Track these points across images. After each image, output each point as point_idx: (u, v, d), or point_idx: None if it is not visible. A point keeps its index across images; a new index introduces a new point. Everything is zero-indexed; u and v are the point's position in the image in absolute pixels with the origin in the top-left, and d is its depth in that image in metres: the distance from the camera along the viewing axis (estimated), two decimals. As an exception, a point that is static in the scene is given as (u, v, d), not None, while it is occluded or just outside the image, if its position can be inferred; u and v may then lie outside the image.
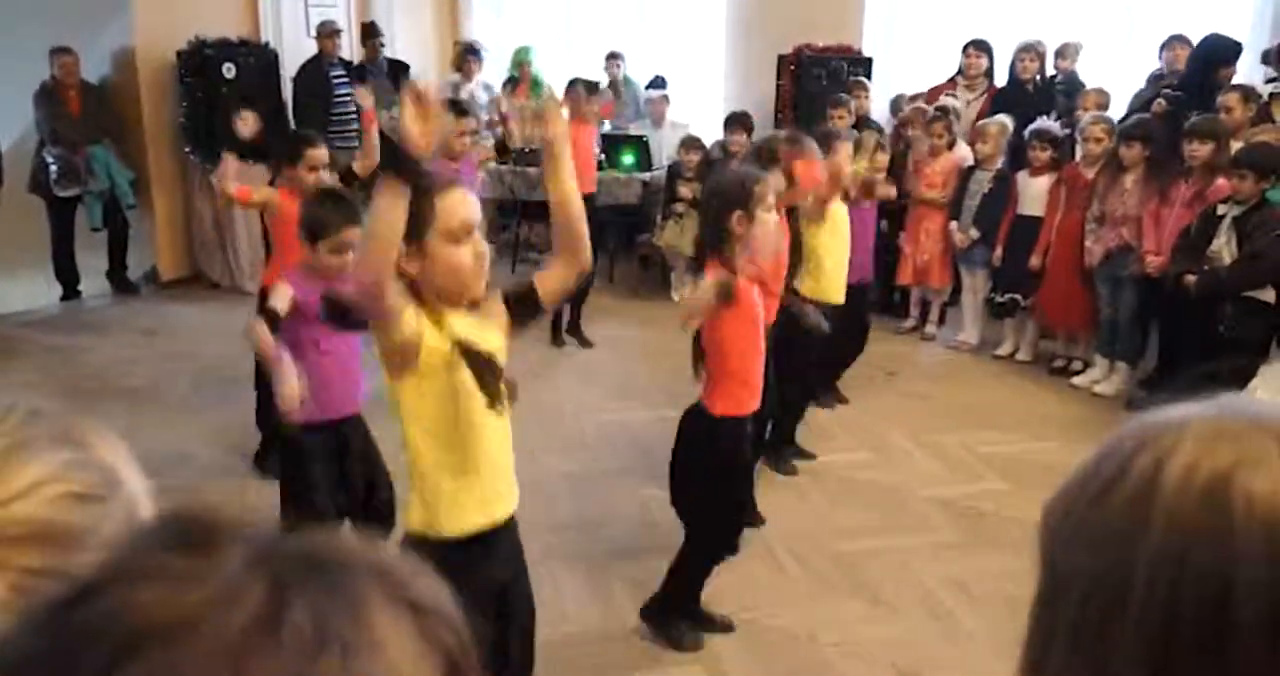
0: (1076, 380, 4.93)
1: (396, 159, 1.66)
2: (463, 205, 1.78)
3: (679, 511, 2.83)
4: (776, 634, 2.92)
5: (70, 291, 6.32)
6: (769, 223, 2.65)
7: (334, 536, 0.45)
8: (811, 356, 3.69)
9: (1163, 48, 5.43)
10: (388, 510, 2.85)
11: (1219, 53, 4.93)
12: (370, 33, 6.85)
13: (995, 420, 4.50)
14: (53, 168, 5.97)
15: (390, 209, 1.64)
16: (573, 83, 5.44)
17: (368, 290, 1.69)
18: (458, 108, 4.60)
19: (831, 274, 3.82)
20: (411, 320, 1.74)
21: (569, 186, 1.93)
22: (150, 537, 0.43)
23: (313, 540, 0.44)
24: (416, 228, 1.72)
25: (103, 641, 0.38)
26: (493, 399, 1.80)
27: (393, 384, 1.85)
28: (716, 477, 2.71)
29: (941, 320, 5.72)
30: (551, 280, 1.98)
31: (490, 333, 1.89)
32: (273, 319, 2.69)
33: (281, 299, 2.72)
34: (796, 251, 3.54)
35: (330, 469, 2.81)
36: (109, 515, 0.62)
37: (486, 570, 1.93)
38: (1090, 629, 0.59)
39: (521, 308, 1.95)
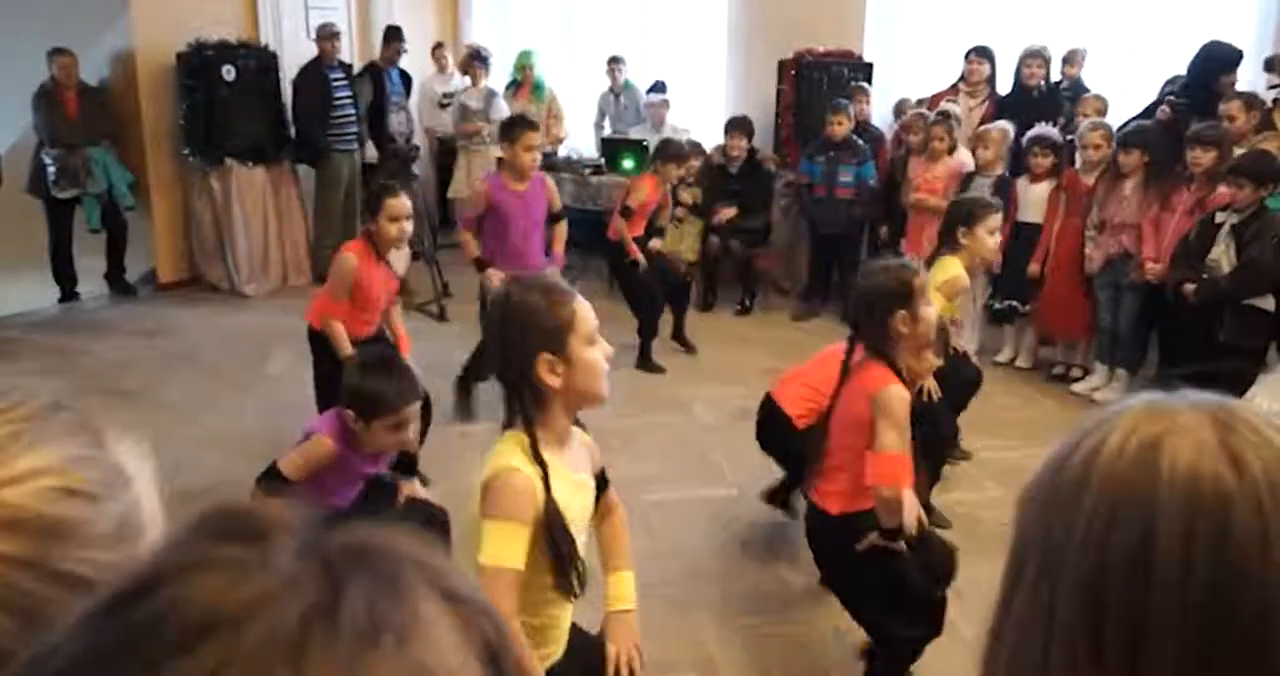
0: (1076, 387, 4.92)
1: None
2: (591, 310, 1.77)
3: (856, 617, 2.63)
4: (775, 641, 2.91)
5: (68, 293, 6.32)
6: (931, 316, 2.44)
7: (374, 528, 0.46)
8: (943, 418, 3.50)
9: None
10: None
11: (1219, 59, 4.93)
12: (392, 36, 6.83)
13: (993, 426, 4.49)
14: (51, 169, 5.97)
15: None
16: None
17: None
18: (526, 122, 4.35)
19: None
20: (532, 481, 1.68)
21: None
22: (201, 530, 0.44)
23: (356, 531, 0.45)
24: (560, 338, 1.69)
25: (165, 632, 0.39)
26: (560, 582, 1.70)
27: (483, 521, 1.71)
28: (870, 571, 2.46)
29: (941, 326, 5.71)
30: (611, 534, 2.03)
31: (586, 477, 1.85)
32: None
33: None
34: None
35: None
36: (104, 515, 0.61)
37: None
38: (1041, 582, 0.67)
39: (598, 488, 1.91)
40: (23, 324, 5.93)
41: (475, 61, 6.95)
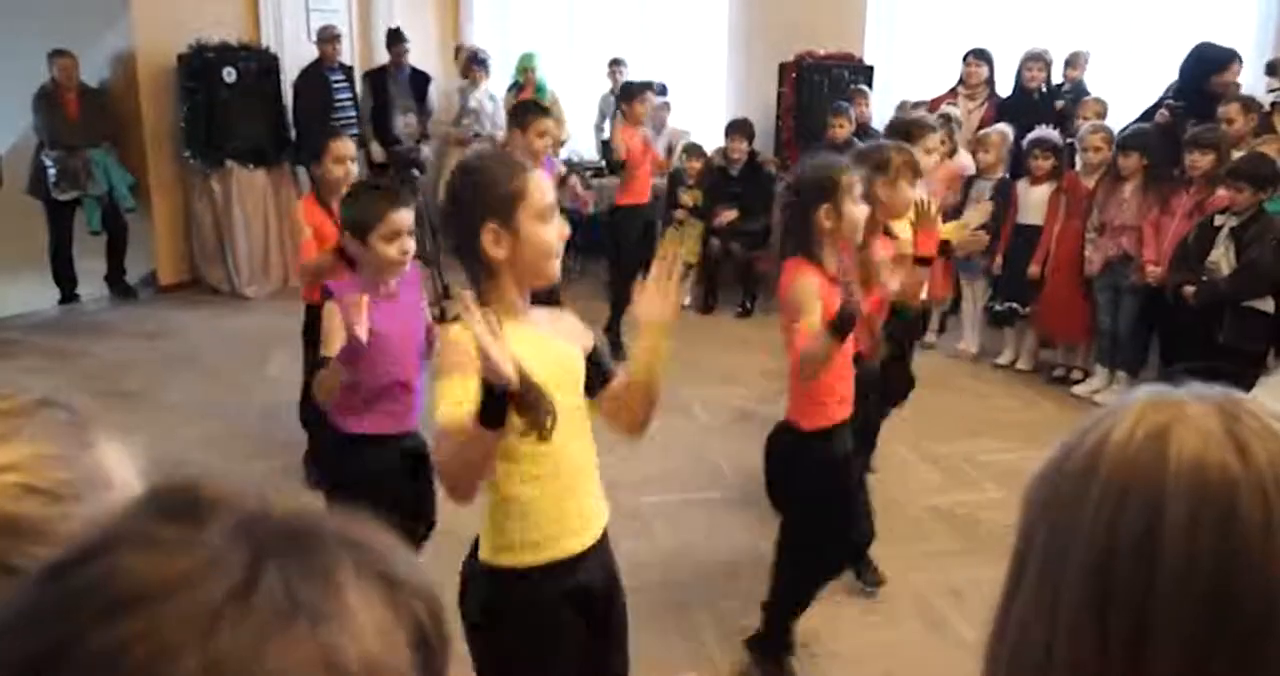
0: (1077, 389, 4.92)
1: (493, 402, 1.52)
2: (547, 185, 1.75)
3: (783, 535, 2.67)
4: (773, 642, 2.90)
5: (68, 295, 6.32)
6: (857, 216, 2.42)
7: (316, 510, 0.47)
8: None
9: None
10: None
11: (1210, 61, 4.94)
12: (395, 38, 6.84)
13: (994, 429, 4.49)
14: (51, 171, 5.97)
15: (481, 443, 1.55)
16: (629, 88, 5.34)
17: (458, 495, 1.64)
18: (538, 108, 4.41)
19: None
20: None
21: (655, 373, 1.81)
22: (142, 507, 0.45)
23: (295, 513, 0.46)
24: (507, 208, 1.67)
25: (88, 603, 0.41)
26: (532, 427, 1.62)
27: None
28: (816, 491, 2.52)
29: (941, 329, 5.71)
30: (610, 406, 1.85)
31: (562, 342, 1.78)
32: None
33: (357, 329, 2.23)
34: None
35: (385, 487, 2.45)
36: (66, 516, 0.61)
37: (567, 585, 1.79)
38: (1047, 570, 0.67)
39: (593, 371, 1.83)
40: (23, 325, 5.93)
41: (474, 64, 6.96)
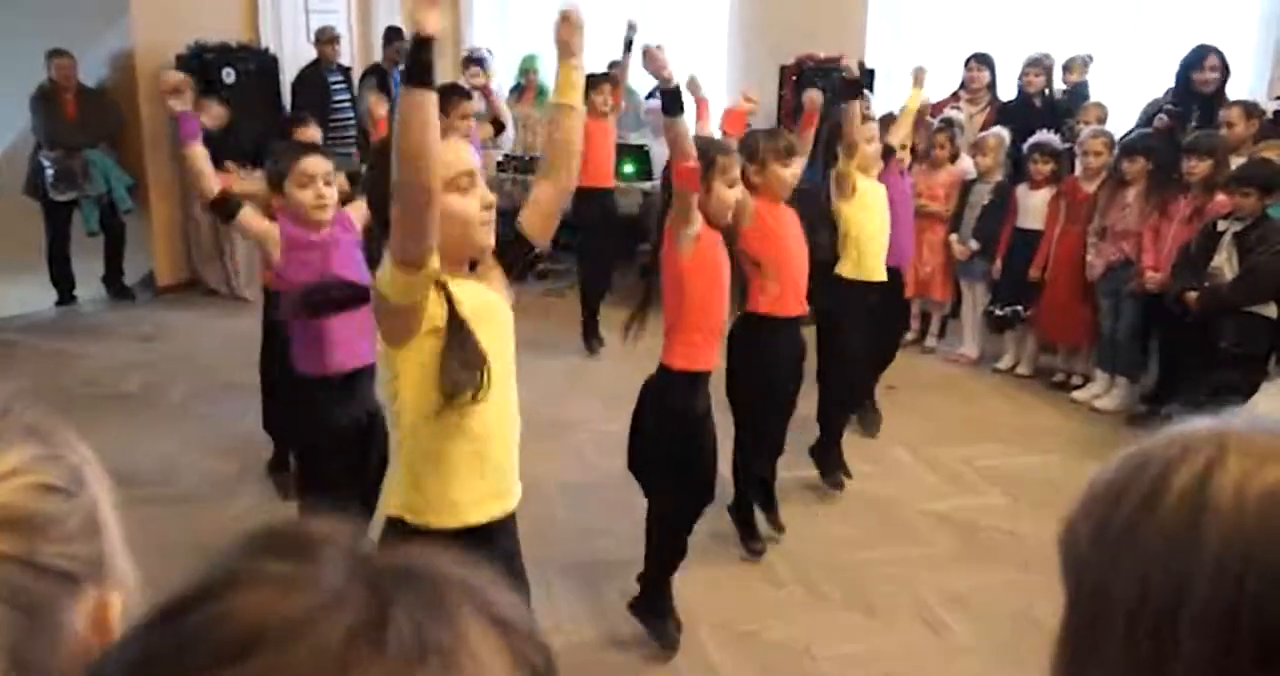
0: (1077, 395, 4.90)
1: (417, 55, 1.52)
2: (464, 152, 1.69)
3: (639, 481, 2.80)
4: (772, 647, 2.90)
5: (66, 296, 6.29)
6: (726, 198, 2.65)
7: (425, 551, 0.46)
8: (853, 349, 3.62)
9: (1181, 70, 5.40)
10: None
11: (1189, 60, 4.95)
12: (393, 37, 6.83)
13: (994, 434, 4.48)
14: (49, 171, 5.95)
15: (421, 108, 1.49)
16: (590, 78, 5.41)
17: (419, 213, 1.54)
18: (459, 91, 4.54)
19: (867, 250, 3.65)
20: (431, 276, 1.61)
21: (576, 94, 1.85)
22: (251, 546, 0.45)
23: (406, 552, 0.45)
24: None
25: (211, 643, 0.40)
26: (453, 392, 1.65)
27: (389, 352, 1.71)
28: (670, 436, 2.65)
29: (942, 333, 5.70)
30: (538, 211, 1.87)
31: (493, 294, 1.79)
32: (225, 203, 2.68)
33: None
34: (834, 231, 3.50)
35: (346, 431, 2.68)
36: (77, 510, 0.63)
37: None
38: (1140, 647, 0.59)
39: (513, 253, 1.85)
40: (20, 327, 5.91)
41: (471, 64, 6.94)
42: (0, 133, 6.13)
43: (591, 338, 5.50)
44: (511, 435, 1.82)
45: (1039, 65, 5.65)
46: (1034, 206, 5.07)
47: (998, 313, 5.21)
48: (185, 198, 6.66)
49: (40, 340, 5.72)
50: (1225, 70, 4.90)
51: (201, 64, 6.32)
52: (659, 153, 6.59)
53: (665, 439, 2.66)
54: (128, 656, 0.42)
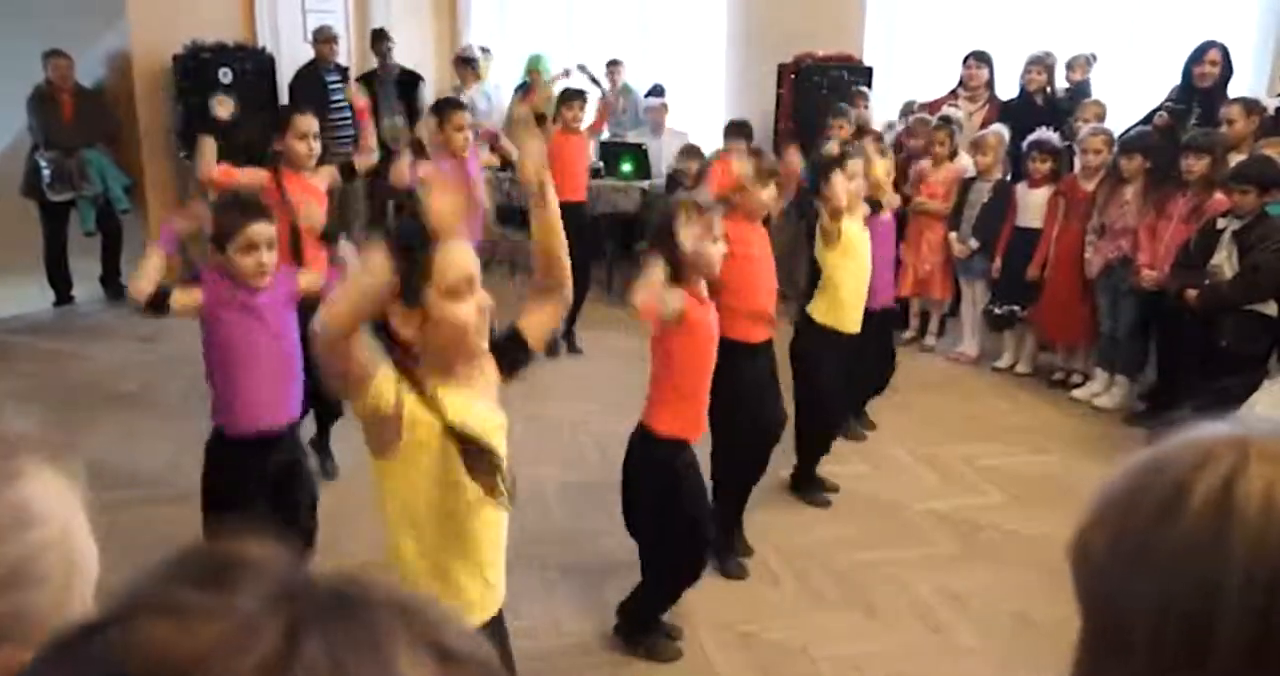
0: (1076, 393, 4.89)
1: (411, 234, 1.53)
2: (464, 257, 1.59)
3: (635, 538, 2.74)
4: (771, 648, 2.88)
5: (63, 297, 6.28)
6: (712, 253, 2.56)
7: (364, 575, 0.43)
8: (831, 384, 3.58)
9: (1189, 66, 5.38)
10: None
11: (1192, 53, 4.95)
12: (379, 38, 6.82)
13: (994, 433, 4.47)
14: (46, 172, 5.94)
15: (379, 262, 1.49)
16: (564, 95, 5.37)
17: (331, 344, 1.51)
18: (453, 104, 4.58)
19: (847, 301, 3.56)
20: (388, 387, 1.56)
21: (554, 220, 1.82)
22: (169, 571, 0.42)
23: (340, 577, 0.42)
24: (414, 287, 1.54)
25: (111, 674, 0.37)
26: (490, 492, 1.61)
27: (376, 462, 1.66)
28: (664, 503, 2.62)
29: (941, 331, 5.69)
30: (537, 323, 1.85)
31: (485, 401, 1.71)
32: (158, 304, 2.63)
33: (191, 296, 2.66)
34: (814, 272, 3.48)
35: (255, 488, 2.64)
36: None
37: None
38: (1165, 658, 0.57)
39: (510, 356, 1.78)
40: (17, 327, 5.89)
41: (461, 65, 6.94)
42: (-3, 133, 6.12)
43: (570, 341, 5.47)
44: (501, 537, 1.78)
45: (1041, 63, 5.63)
46: (1033, 205, 5.06)
47: (997, 311, 5.20)
48: (182, 198, 6.65)
49: (38, 341, 5.70)
50: (1228, 67, 4.89)
51: (198, 64, 6.30)
52: (657, 151, 6.60)
53: (663, 508, 2.63)
54: None
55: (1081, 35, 5.98)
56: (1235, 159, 4.28)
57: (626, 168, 6.48)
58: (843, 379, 3.61)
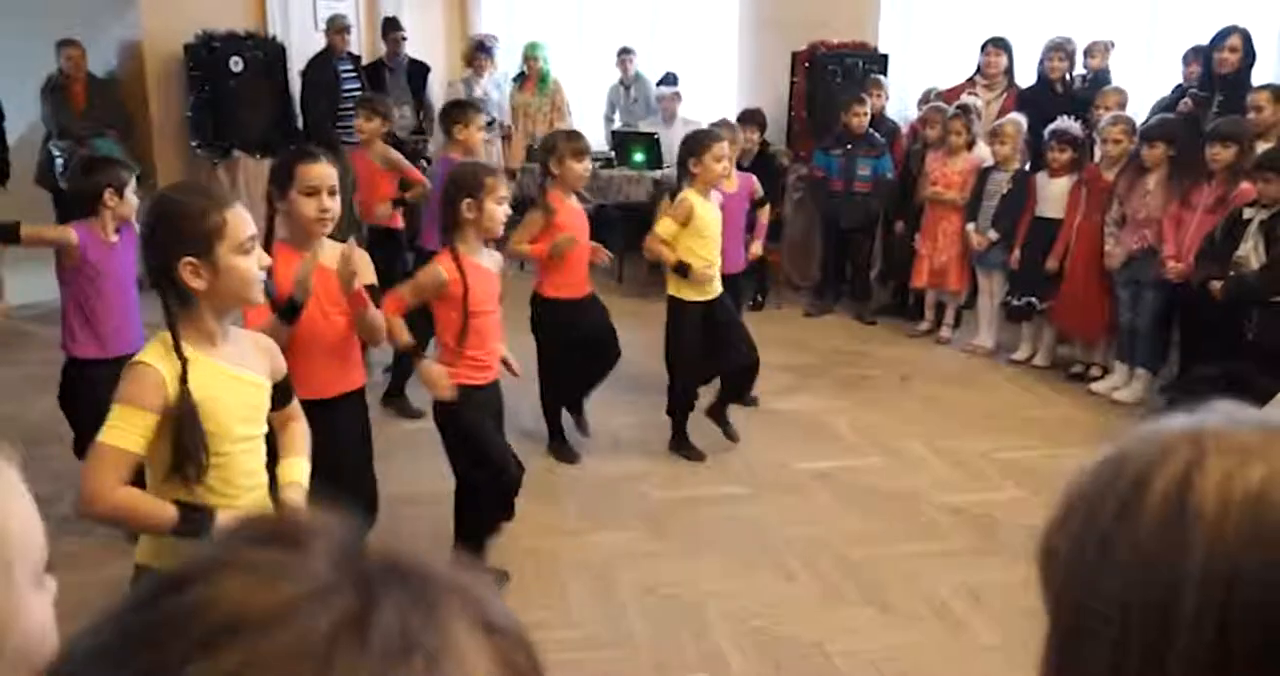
0: (1095, 386, 4.82)
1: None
2: (248, 220, 1.84)
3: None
4: (785, 643, 2.84)
5: (76, 286, 6.27)
6: (498, 214, 2.93)
7: (412, 549, 0.45)
8: (685, 358, 3.91)
9: (1185, 60, 5.30)
10: None
11: (1213, 39, 4.85)
12: (391, 27, 6.78)
13: (1011, 426, 4.40)
14: (59, 161, 5.94)
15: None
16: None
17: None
18: (472, 107, 4.59)
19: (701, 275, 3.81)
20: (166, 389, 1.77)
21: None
22: (239, 533, 0.44)
23: (393, 548, 0.44)
24: (206, 242, 1.77)
25: (192, 628, 0.39)
26: (182, 465, 1.76)
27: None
28: (457, 443, 3.04)
29: (957, 323, 5.62)
30: (280, 427, 2.06)
31: (250, 374, 1.89)
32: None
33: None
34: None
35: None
36: None
37: None
38: (1128, 660, 0.57)
39: (278, 390, 1.98)
40: (29, 316, 5.89)
41: (479, 52, 6.88)
42: (11, 122, 6.10)
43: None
44: (257, 490, 1.91)
45: (1061, 50, 5.54)
46: (1053, 195, 4.98)
47: (1015, 303, 5.12)
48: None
49: (49, 330, 5.68)
50: (1249, 53, 4.79)
51: (209, 53, 6.28)
52: (669, 140, 6.53)
53: (456, 442, 3.05)
54: (101, 640, 0.41)
55: (1100, 21, 5.88)
56: (1262, 147, 4.20)
57: (638, 157, 6.42)
58: (702, 343, 3.89)
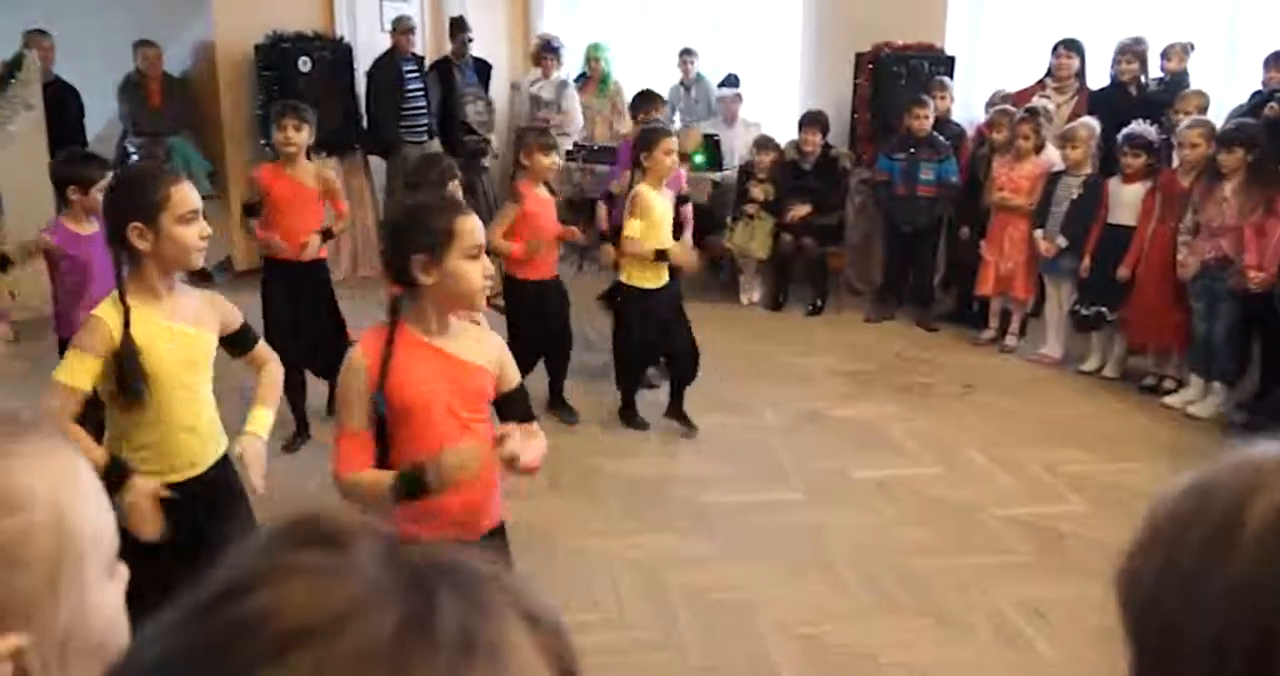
0: (1169, 400, 4.64)
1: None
2: (191, 194, 2.10)
3: None
4: (838, 652, 2.78)
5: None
6: (470, 275, 1.93)
7: (452, 548, 0.45)
8: (632, 342, 4.18)
9: (1266, 65, 5.09)
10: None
11: None
12: (458, 28, 6.85)
13: (1078, 438, 4.26)
14: (134, 156, 6.10)
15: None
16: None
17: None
18: (545, 132, 4.46)
19: (649, 262, 4.05)
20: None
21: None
22: (282, 537, 0.44)
23: (435, 546, 0.45)
24: (152, 210, 2.04)
25: (259, 634, 0.39)
26: (123, 392, 2.06)
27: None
28: None
29: (1022, 332, 5.47)
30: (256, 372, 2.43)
31: (193, 330, 2.17)
32: None
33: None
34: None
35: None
36: None
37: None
38: (1236, 663, 0.54)
39: (236, 339, 2.36)
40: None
41: (546, 52, 6.91)
42: (90, 119, 6.30)
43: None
44: (194, 427, 2.22)
45: (1133, 51, 5.37)
46: (1126, 201, 4.82)
47: (1084, 312, 4.97)
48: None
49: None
50: None
51: (278, 53, 6.41)
52: (730, 142, 6.49)
53: None
54: (161, 651, 0.41)
55: (1177, 22, 5.68)
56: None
57: (698, 159, 6.38)
58: (654, 326, 4.13)
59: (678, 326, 4.18)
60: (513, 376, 2.10)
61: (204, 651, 0.40)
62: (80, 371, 2.04)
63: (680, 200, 4.58)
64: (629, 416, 4.36)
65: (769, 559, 3.26)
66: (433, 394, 1.96)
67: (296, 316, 3.95)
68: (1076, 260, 4.98)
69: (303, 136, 3.89)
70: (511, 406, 2.09)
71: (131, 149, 6.14)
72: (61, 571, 0.60)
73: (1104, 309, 4.88)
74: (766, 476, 3.88)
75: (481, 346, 2.05)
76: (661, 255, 4.03)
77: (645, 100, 5.20)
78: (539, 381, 4.15)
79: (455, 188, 3.52)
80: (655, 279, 4.09)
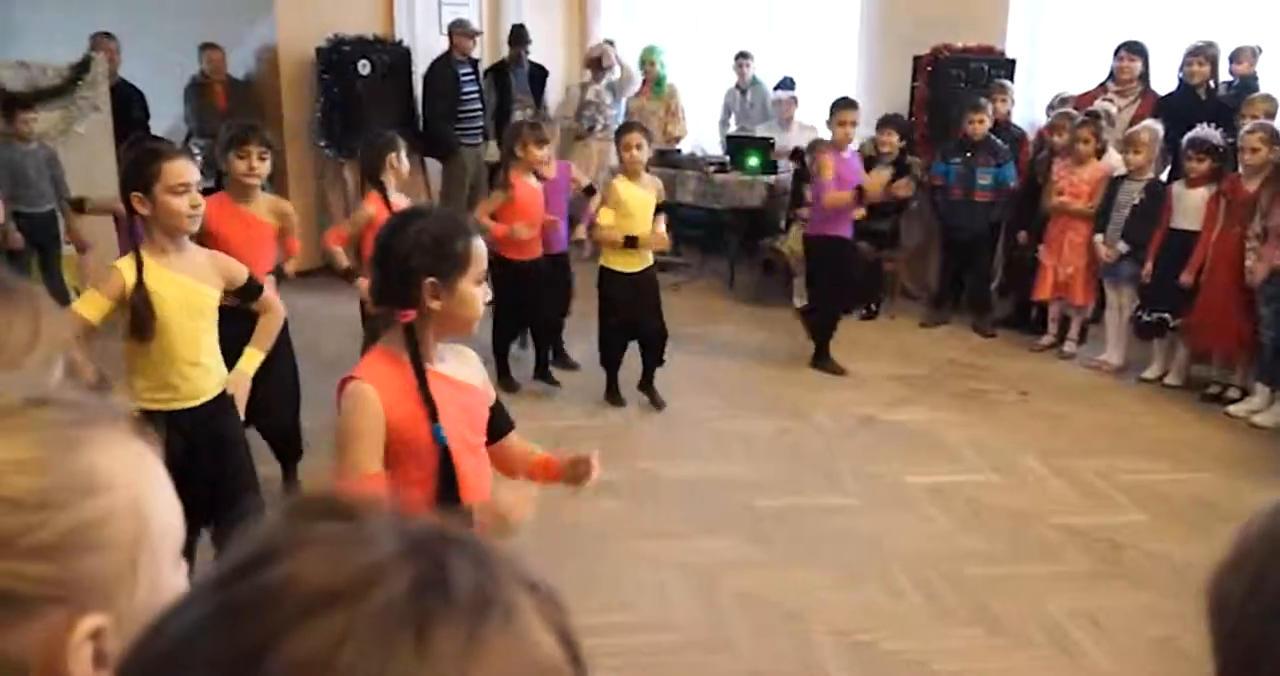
0: (1233, 409, 4.54)
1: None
2: (186, 169, 2.45)
3: None
4: (891, 659, 2.77)
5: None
6: (476, 301, 1.85)
7: (450, 521, 0.47)
8: (612, 324, 4.48)
9: None
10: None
11: None
12: (518, 37, 6.93)
13: (1138, 447, 4.19)
14: (198, 157, 6.20)
15: None
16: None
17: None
18: (532, 126, 4.55)
19: (625, 249, 4.35)
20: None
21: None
22: (298, 512, 0.46)
23: (433, 519, 0.47)
24: (148, 182, 2.40)
25: (287, 599, 0.41)
26: (137, 328, 2.45)
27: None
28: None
29: (1082, 338, 5.38)
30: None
31: (194, 282, 2.51)
32: None
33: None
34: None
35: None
36: (41, 525, 0.58)
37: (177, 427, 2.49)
38: None
39: (243, 291, 2.70)
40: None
41: (598, 66, 6.97)
42: (156, 120, 6.47)
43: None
44: (197, 362, 2.57)
45: (1202, 54, 5.25)
46: (1190, 206, 4.73)
47: (1146, 318, 4.87)
48: (320, 185, 6.90)
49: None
50: None
51: (339, 56, 6.52)
52: (785, 145, 6.47)
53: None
54: (194, 618, 0.42)
55: (1246, 25, 5.55)
56: None
57: (753, 162, 6.37)
58: (630, 307, 4.43)
59: (651, 309, 4.50)
60: (491, 390, 2.02)
61: (233, 616, 0.41)
62: (91, 306, 2.44)
63: (587, 190, 5.05)
64: (613, 396, 4.62)
65: (822, 564, 3.26)
66: (452, 422, 1.82)
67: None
68: (1137, 265, 4.89)
69: (266, 167, 3.39)
70: (497, 419, 2.00)
71: (195, 150, 6.28)
72: (140, 554, 0.61)
73: (1167, 315, 4.78)
74: (820, 481, 3.88)
75: (469, 366, 1.96)
76: (632, 241, 4.31)
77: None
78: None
79: (394, 160, 4.14)
80: (631, 263, 4.38)
